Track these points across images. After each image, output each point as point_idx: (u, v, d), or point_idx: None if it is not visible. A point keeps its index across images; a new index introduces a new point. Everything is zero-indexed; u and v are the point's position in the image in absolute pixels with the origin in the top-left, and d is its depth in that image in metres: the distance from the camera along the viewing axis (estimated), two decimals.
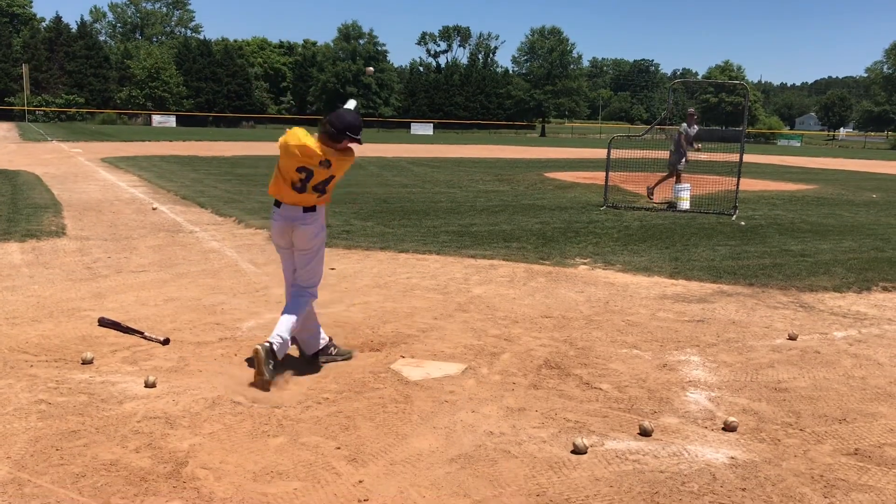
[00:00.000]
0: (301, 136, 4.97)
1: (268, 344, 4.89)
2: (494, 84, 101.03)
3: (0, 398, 4.58)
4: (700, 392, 5.10)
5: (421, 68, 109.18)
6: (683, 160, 16.88)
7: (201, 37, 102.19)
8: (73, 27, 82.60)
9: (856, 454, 4.19)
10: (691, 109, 17.88)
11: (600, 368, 5.51)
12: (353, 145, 5.06)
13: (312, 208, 5.11)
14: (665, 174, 17.17)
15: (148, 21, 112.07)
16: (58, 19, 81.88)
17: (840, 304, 7.73)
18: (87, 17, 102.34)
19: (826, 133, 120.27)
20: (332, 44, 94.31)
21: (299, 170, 4.96)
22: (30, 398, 4.60)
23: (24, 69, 72.85)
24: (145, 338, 5.83)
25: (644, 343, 6.19)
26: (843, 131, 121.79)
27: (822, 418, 4.70)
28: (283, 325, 5.06)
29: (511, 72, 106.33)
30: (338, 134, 4.92)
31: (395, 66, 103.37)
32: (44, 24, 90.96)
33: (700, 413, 4.72)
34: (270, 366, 4.86)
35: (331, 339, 5.54)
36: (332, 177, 5.08)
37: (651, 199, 16.71)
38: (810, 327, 6.81)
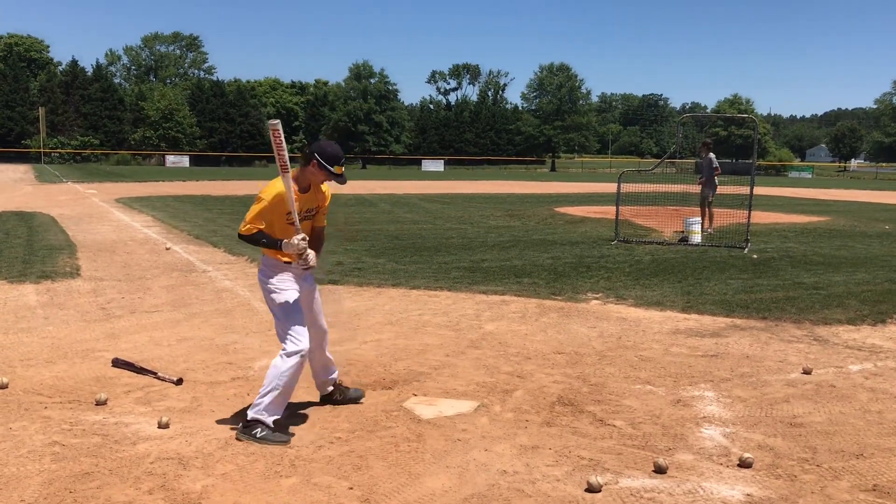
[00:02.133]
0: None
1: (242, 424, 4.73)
2: (504, 120, 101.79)
3: (14, 440, 4.60)
4: (715, 428, 5.06)
5: (431, 106, 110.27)
6: (710, 191, 16.70)
7: (214, 78, 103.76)
8: (89, 70, 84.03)
9: (874, 490, 4.14)
10: (706, 139, 17.67)
11: (614, 405, 5.48)
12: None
13: None
14: (706, 210, 16.94)
15: (162, 63, 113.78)
16: (74, 63, 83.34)
17: (855, 336, 7.67)
18: (103, 61, 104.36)
19: (837, 164, 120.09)
20: (343, 83, 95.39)
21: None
22: (44, 440, 4.61)
23: (41, 112, 74.02)
24: (158, 378, 5.85)
25: (657, 378, 6.15)
26: (854, 162, 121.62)
27: (839, 454, 4.65)
28: (262, 391, 4.77)
29: (520, 108, 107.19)
30: (307, 153, 4.90)
31: (406, 104, 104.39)
32: (60, 67, 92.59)
33: (715, 449, 4.68)
34: (256, 431, 4.70)
35: (336, 385, 5.42)
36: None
37: (710, 231, 16.50)
38: (825, 361, 6.76)
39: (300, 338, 4.80)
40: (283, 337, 4.84)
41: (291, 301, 4.87)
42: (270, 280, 4.93)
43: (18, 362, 6.28)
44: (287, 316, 4.84)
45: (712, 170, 16.54)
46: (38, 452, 4.43)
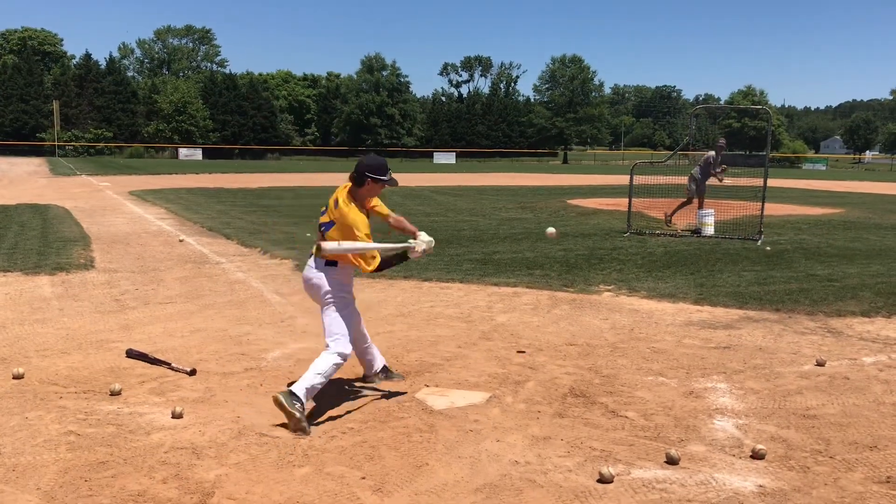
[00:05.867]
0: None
1: (286, 390, 4.85)
2: (516, 112, 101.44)
3: (30, 429, 4.65)
4: (727, 419, 5.05)
5: (443, 98, 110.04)
6: (701, 187, 16.44)
7: (227, 71, 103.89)
8: (102, 64, 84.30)
9: (888, 482, 4.12)
10: (722, 141, 17.39)
11: (626, 396, 5.48)
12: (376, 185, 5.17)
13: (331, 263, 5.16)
14: (684, 200, 16.75)
15: (175, 56, 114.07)
16: (87, 56, 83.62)
17: (869, 328, 7.63)
18: (116, 54, 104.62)
19: (852, 156, 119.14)
20: (355, 76, 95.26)
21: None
22: (59, 429, 4.66)
23: (55, 105, 74.40)
24: (172, 369, 5.89)
25: (670, 370, 6.14)
26: (869, 154, 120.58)
27: (853, 445, 4.63)
28: (304, 378, 4.93)
29: (532, 100, 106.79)
30: (357, 176, 5.09)
31: (418, 96, 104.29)
32: (74, 61, 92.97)
33: (727, 441, 4.67)
34: (297, 405, 4.74)
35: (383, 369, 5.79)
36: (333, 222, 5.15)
37: (669, 226, 16.44)
38: (839, 353, 6.72)
39: (347, 343, 5.08)
40: (333, 336, 5.06)
41: (351, 311, 5.23)
42: (340, 287, 5.18)
43: (34, 353, 6.34)
44: (345, 321, 5.11)
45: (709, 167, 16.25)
46: (53, 441, 4.47)
